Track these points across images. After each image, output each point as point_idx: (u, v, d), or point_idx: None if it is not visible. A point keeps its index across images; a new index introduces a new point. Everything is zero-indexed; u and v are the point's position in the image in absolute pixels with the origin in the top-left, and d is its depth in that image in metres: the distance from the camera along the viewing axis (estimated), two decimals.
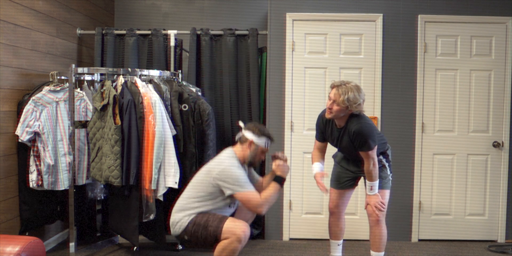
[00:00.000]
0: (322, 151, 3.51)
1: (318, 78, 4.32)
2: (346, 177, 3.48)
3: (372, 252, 3.38)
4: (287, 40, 4.30)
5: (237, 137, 3.28)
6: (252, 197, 3.05)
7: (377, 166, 3.24)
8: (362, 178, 3.45)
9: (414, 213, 4.34)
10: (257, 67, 4.46)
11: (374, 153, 3.19)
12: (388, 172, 3.41)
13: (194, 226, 3.06)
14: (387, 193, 3.38)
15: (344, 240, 3.68)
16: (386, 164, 3.41)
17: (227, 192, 3.07)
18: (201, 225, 3.05)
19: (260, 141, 3.18)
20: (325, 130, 3.38)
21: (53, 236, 4.12)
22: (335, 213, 3.54)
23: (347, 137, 3.22)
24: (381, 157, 3.39)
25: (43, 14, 3.90)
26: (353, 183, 3.50)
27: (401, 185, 4.30)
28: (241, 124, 3.37)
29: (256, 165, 3.32)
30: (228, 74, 4.44)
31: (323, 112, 3.35)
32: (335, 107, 3.14)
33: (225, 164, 3.10)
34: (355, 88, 3.13)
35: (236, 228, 3.01)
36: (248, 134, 3.18)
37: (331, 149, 3.53)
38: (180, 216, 3.12)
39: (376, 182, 3.26)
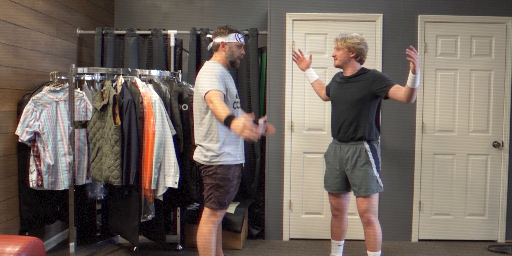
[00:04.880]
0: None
1: None
2: (334, 178, 3.45)
3: (368, 252, 3.38)
4: (287, 40, 4.31)
5: (209, 47, 3.32)
6: (214, 96, 2.96)
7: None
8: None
9: (414, 213, 4.34)
10: (257, 67, 4.46)
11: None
12: (375, 172, 3.29)
13: (215, 176, 3.13)
14: (374, 196, 3.31)
15: (345, 240, 3.68)
16: (372, 161, 3.28)
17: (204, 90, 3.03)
18: (219, 184, 3.12)
19: (230, 38, 3.21)
20: (332, 84, 3.57)
21: (53, 236, 4.12)
22: (336, 215, 3.56)
23: (356, 86, 3.33)
24: (367, 146, 3.31)
25: (43, 14, 3.90)
26: (345, 187, 3.45)
27: (401, 185, 4.31)
28: (208, 35, 3.50)
29: (237, 63, 3.29)
30: None
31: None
32: (337, 53, 3.37)
33: (205, 73, 3.11)
34: (354, 35, 3.35)
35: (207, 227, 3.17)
36: (217, 39, 3.23)
37: (324, 148, 3.53)
38: (212, 150, 3.13)
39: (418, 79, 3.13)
